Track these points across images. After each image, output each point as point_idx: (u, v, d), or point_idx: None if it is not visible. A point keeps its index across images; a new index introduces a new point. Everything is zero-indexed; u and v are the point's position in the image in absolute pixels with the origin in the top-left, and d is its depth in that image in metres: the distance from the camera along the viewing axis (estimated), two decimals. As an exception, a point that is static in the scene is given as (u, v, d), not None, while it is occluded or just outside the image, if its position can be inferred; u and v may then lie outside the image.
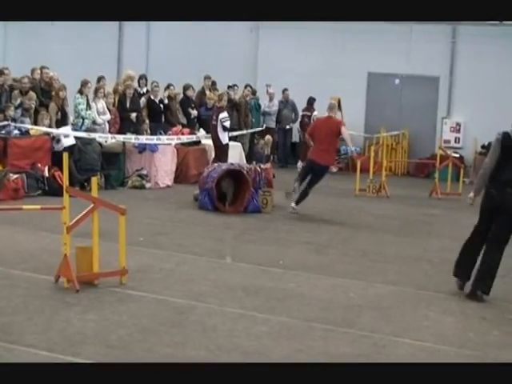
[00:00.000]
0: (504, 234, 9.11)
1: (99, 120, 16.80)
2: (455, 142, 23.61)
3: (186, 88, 19.89)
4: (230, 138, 18.14)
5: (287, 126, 23.50)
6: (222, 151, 17.66)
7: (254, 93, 22.85)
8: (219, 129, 17.34)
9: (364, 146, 23.61)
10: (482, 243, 9.23)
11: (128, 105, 17.82)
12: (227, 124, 17.44)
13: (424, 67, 23.43)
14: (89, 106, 16.65)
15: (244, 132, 21.27)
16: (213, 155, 18.40)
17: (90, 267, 8.44)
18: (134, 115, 17.71)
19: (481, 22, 21.44)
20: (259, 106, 23.18)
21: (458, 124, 23.73)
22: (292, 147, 24.01)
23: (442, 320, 8.13)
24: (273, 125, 23.41)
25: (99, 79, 17.82)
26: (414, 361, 6.76)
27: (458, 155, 21.97)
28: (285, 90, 23.41)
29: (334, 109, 15.24)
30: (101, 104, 17.00)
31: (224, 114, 17.40)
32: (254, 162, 17.25)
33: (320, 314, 7.99)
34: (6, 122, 15.11)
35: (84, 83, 16.65)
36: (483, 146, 22.97)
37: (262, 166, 15.72)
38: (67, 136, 15.54)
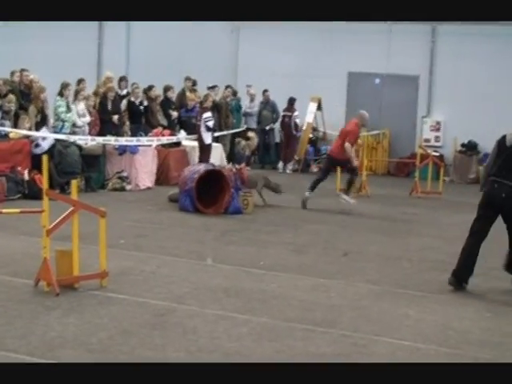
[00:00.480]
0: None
1: (79, 122, 16.76)
2: (435, 140, 23.71)
3: (166, 89, 19.88)
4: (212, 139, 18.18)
5: (267, 127, 23.49)
6: (204, 151, 17.72)
7: (234, 93, 22.86)
8: (202, 128, 17.41)
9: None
10: (478, 241, 9.64)
11: (109, 107, 17.79)
12: (210, 124, 17.51)
13: (404, 66, 23.51)
14: (69, 109, 16.60)
15: (225, 133, 21.28)
16: (194, 156, 18.44)
17: (70, 270, 8.42)
18: (116, 117, 17.68)
19: (460, 21, 21.56)
20: (240, 106, 23.19)
21: (438, 123, 23.83)
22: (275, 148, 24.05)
23: (422, 318, 8.15)
24: (254, 125, 23.42)
25: (79, 81, 17.77)
26: (394, 359, 6.78)
27: (438, 154, 22.06)
28: (265, 91, 23.43)
29: (362, 120, 15.82)
30: (81, 106, 16.97)
31: (207, 114, 17.50)
32: (231, 163, 17.31)
33: (301, 314, 8.01)
34: (-16, 126, 15.08)
35: (64, 86, 16.62)
36: (463, 145, 23.10)
37: (236, 166, 15.75)
38: (45, 138, 15.50)
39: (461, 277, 9.41)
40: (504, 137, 9.49)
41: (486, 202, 9.50)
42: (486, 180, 9.54)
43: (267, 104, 23.51)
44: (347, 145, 15.24)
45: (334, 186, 18.04)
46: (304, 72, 24.09)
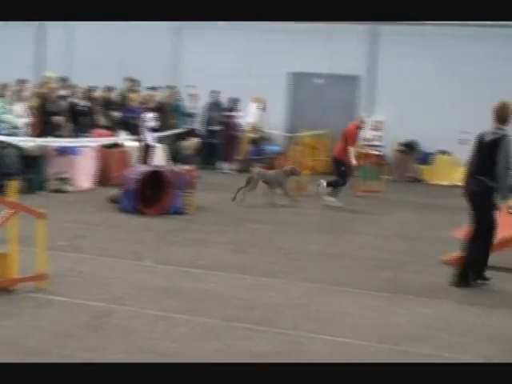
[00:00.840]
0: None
1: (19, 123, 16.56)
2: (376, 140, 23.87)
3: (108, 90, 19.75)
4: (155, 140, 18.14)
5: (213, 128, 23.43)
6: (145, 152, 17.66)
7: (176, 94, 22.79)
8: (144, 129, 17.37)
9: (286, 146, 23.72)
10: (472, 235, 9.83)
11: (51, 108, 17.59)
12: (151, 124, 17.44)
13: (345, 67, 23.64)
14: (7, 110, 16.39)
15: (167, 133, 21.20)
16: (135, 157, 18.36)
17: (7, 273, 8.32)
18: (57, 118, 17.48)
19: (400, 22, 21.78)
20: (182, 107, 23.12)
21: (380, 123, 24.00)
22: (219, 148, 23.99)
23: (361, 316, 8.23)
24: (197, 126, 23.37)
25: (20, 82, 17.54)
26: (333, 357, 6.84)
27: (379, 153, 22.27)
28: (214, 92, 23.37)
29: (359, 122, 17.57)
30: (21, 107, 16.76)
31: (149, 115, 17.45)
32: (177, 164, 17.28)
33: (240, 313, 8.03)
34: None
35: (4, 86, 16.41)
36: (402, 144, 23.35)
37: (184, 167, 15.72)
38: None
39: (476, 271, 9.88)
40: (481, 134, 9.76)
41: (466, 200, 9.80)
42: (468, 179, 9.84)
43: (216, 105, 23.48)
44: (350, 149, 16.66)
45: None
46: (246, 72, 24.08)
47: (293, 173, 16.72)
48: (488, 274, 9.93)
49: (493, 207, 9.62)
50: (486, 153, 9.53)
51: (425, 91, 22.85)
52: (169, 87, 22.17)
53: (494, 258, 10.13)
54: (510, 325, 8.24)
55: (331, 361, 6.70)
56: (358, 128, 17.38)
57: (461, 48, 22.64)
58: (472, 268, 9.77)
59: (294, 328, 7.59)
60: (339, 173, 16.89)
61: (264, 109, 23.11)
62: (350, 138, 16.89)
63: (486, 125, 9.81)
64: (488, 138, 9.60)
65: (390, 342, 7.37)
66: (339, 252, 11.63)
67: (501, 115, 9.62)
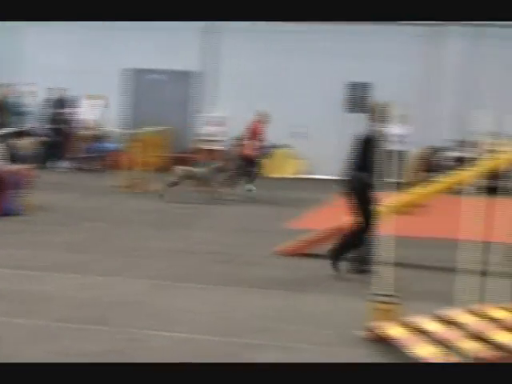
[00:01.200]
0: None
1: None
2: (216, 135, 24.01)
3: None
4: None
5: (50, 126, 22.99)
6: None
7: (13, 92, 22.24)
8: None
9: (124, 143, 23.51)
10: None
11: None
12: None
13: (185, 63, 23.67)
14: None
15: (3, 132, 20.64)
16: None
17: None
18: None
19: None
20: (16, 105, 22.58)
21: (220, 118, 24.13)
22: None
23: (203, 310, 8.27)
24: (36, 124, 22.89)
25: None
26: (171, 353, 6.83)
27: (219, 148, 22.44)
28: (53, 89, 22.90)
29: (261, 117, 18.53)
30: None
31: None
32: (13, 163, 16.86)
33: (75, 313, 7.91)
34: None
35: None
36: (237, 138, 23.62)
37: (20, 166, 15.34)
38: None
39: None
40: (358, 133, 10.29)
41: (346, 194, 10.21)
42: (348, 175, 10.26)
43: (53, 102, 23.03)
44: (248, 142, 18.12)
45: (111, 183, 17.98)
46: (84, 70, 23.72)
47: (221, 170, 17.34)
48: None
49: (369, 201, 10.08)
50: (363, 149, 10.07)
51: (264, 86, 23.18)
52: (6, 85, 21.62)
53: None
54: (338, 311, 8.47)
55: (172, 356, 6.69)
56: (261, 122, 18.44)
57: (296, 44, 23.10)
58: (341, 255, 10.18)
59: (131, 325, 7.53)
60: (251, 164, 18.15)
61: (106, 106, 22.96)
62: (254, 133, 18.19)
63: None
64: (363, 135, 10.20)
65: (233, 335, 7.42)
66: (179, 248, 11.64)
67: (373, 114, 10.29)
